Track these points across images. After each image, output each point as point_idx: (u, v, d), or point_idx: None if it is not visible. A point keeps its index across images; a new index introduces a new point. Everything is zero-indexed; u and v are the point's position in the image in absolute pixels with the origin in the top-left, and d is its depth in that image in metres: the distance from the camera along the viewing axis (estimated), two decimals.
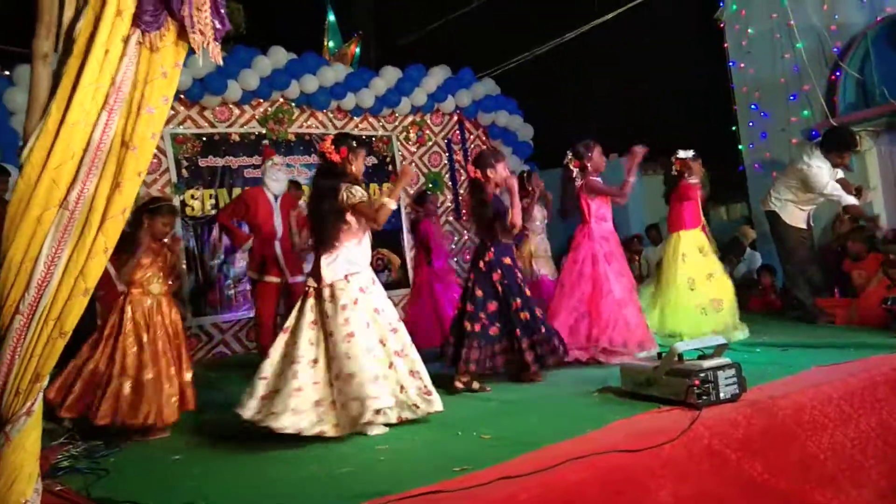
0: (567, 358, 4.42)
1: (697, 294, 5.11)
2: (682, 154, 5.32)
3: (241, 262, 7.25)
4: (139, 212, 3.93)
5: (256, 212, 5.59)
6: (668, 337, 5.00)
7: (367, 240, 3.72)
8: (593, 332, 4.67)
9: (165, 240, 4.11)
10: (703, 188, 5.45)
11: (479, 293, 4.29)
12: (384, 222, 3.64)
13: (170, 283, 4.07)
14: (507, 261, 4.35)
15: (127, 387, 3.69)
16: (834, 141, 5.46)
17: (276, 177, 5.68)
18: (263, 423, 3.30)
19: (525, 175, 6.37)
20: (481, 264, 4.34)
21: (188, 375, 3.92)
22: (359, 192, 3.58)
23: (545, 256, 6.47)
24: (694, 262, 5.20)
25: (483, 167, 4.38)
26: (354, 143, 3.70)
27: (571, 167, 5.01)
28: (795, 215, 5.60)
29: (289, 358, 3.43)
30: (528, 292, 4.39)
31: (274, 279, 5.56)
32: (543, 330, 4.26)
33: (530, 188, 6.20)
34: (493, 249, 4.33)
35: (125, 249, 3.79)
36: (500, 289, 4.28)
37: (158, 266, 3.99)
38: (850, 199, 5.41)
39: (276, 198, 5.66)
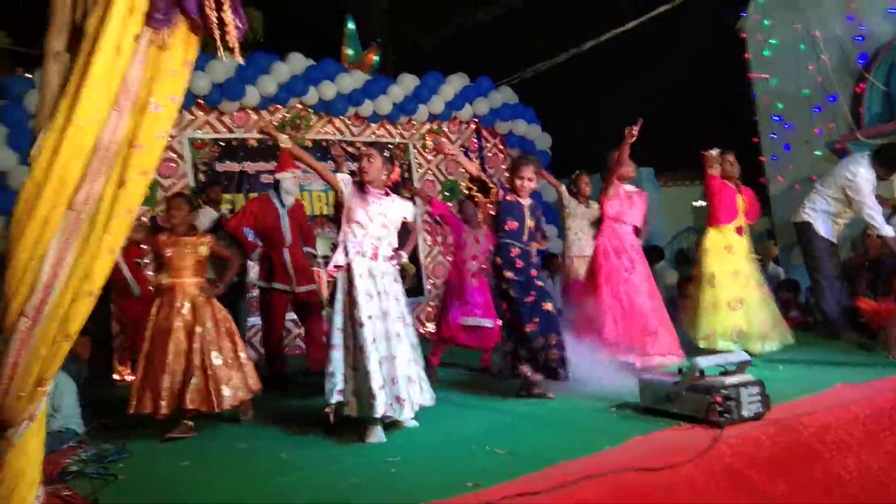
0: (565, 380, 4.12)
1: (718, 290, 5.07)
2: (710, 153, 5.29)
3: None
4: None
5: (264, 219, 5.50)
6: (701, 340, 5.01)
7: (366, 227, 3.69)
8: (608, 326, 4.67)
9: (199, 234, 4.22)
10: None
11: None
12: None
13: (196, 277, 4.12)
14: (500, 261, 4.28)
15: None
16: (892, 156, 5.34)
17: (290, 190, 5.59)
18: None
19: (573, 177, 6.23)
20: None
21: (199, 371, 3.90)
22: None
23: (583, 256, 6.02)
24: (718, 258, 5.14)
25: (509, 171, 4.47)
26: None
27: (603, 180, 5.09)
28: (829, 228, 5.51)
29: None
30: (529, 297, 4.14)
31: (282, 286, 5.47)
32: (525, 338, 4.06)
33: (574, 189, 6.11)
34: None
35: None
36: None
37: (172, 258, 4.04)
38: (889, 231, 5.25)
39: (283, 205, 5.56)
